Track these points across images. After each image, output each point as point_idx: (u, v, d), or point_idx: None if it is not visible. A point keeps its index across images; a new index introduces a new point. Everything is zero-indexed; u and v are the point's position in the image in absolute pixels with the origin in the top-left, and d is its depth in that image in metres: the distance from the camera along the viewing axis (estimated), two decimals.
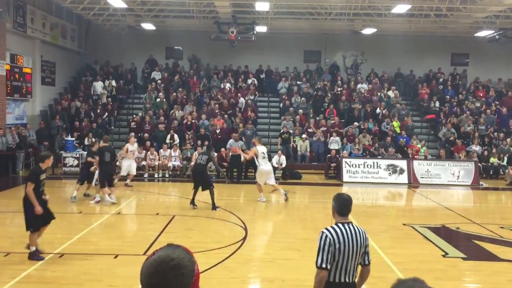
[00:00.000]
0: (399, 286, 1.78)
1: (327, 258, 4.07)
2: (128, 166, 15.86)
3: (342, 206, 4.36)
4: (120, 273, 7.55)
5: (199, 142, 19.30)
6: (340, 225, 4.24)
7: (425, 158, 19.51)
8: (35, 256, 8.03)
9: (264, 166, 13.85)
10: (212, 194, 12.43)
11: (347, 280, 4.22)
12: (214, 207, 12.36)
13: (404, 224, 11.43)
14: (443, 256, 8.94)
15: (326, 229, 4.22)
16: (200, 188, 12.48)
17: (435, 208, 14.32)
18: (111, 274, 7.51)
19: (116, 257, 8.34)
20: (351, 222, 4.31)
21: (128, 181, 15.88)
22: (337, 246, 4.10)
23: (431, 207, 14.69)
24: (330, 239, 4.11)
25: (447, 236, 10.56)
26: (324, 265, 4.08)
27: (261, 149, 13.87)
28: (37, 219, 8.06)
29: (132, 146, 16.33)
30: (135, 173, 16.37)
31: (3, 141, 17.61)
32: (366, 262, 4.40)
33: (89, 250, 8.74)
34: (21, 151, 18.64)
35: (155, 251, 1.75)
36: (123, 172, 15.83)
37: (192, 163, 17.99)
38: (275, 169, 18.52)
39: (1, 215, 11.79)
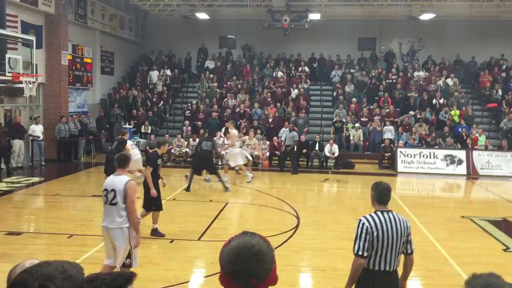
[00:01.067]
0: (474, 280, 1.71)
1: (364, 245, 4.06)
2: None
3: (382, 194, 4.27)
4: (176, 257, 7.78)
5: (252, 131, 19.40)
6: (379, 213, 4.18)
7: (486, 149, 18.71)
8: (157, 232, 8.84)
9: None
10: (191, 177, 13.25)
11: (387, 268, 4.16)
12: (188, 189, 13.10)
13: (462, 217, 11.05)
14: (504, 250, 8.60)
15: (364, 216, 4.19)
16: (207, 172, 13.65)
17: (496, 201, 13.74)
18: (167, 258, 7.75)
19: (172, 241, 8.59)
20: (391, 211, 4.22)
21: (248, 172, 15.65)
22: (375, 234, 4.06)
23: (491, 200, 14.12)
24: (367, 226, 4.09)
25: (508, 230, 10.13)
26: (360, 253, 4.07)
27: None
28: (157, 199, 8.87)
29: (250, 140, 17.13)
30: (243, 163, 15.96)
31: (66, 129, 18.45)
32: (409, 251, 4.32)
33: (146, 234, 9.02)
34: (83, 138, 19.47)
35: (231, 238, 1.79)
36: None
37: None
38: (327, 158, 18.43)
39: (64, 198, 12.39)
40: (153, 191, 8.69)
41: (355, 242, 4.11)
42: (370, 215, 4.18)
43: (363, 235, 4.08)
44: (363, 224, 4.12)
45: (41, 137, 17.36)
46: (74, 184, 14.42)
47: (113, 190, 5.87)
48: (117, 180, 5.90)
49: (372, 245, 4.08)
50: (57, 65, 18.38)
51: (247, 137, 17.21)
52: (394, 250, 4.15)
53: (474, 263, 7.77)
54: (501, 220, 10.87)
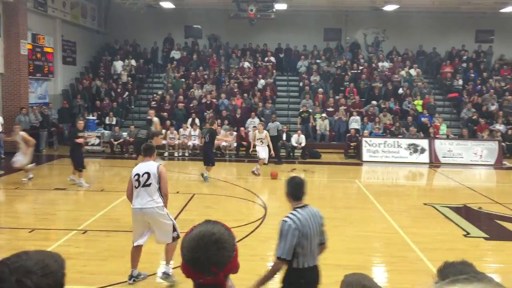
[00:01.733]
0: (447, 269, 1.74)
1: (289, 248, 3.94)
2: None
3: (295, 189, 4.18)
4: (142, 249, 7.67)
5: (219, 121, 19.33)
6: (299, 210, 4.09)
7: (447, 138, 19.23)
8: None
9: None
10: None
11: (311, 264, 4.13)
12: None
13: (425, 204, 11.34)
14: (465, 236, 8.87)
15: (287, 217, 4.04)
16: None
17: (457, 188, 14.16)
18: (126, 251, 7.62)
19: None
20: (307, 205, 4.17)
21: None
22: (301, 232, 3.97)
23: (452, 187, 14.53)
24: (294, 227, 3.96)
25: (469, 216, 10.46)
26: (284, 256, 3.95)
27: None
28: None
29: (260, 134, 15.74)
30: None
31: (27, 120, 17.90)
32: (323, 241, 4.31)
33: (112, 227, 8.90)
34: (44, 130, 18.94)
35: (193, 226, 1.79)
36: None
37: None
38: (294, 148, 18.54)
39: (25, 192, 12.05)
40: None
41: (279, 245, 3.97)
42: (292, 213, 4.06)
43: (289, 236, 3.93)
44: (289, 225, 3.96)
45: (0, 129, 16.79)
46: (35, 177, 14.01)
47: (146, 173, 6.24)
48: (149, 164, 6.36)
49: (300, 244, 3.97)
50: (16, 55, 17.77)
51: (257, 131, 16.13)
52: (316, 244, 4.14)
53: (436, 248, 7.98)
54: (462, 207, 11.20)
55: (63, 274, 1.70)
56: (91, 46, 25.50)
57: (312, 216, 4.09)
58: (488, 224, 9.83)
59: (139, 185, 6.24)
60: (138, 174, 6.27)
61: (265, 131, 15.96)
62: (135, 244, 6.42)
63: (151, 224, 6.36)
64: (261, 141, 15.55)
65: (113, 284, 6.25)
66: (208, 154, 13.49)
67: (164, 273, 6.41)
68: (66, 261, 1.75)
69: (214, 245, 1.67)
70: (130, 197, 6.45)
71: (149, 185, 6.22)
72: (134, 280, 6.39)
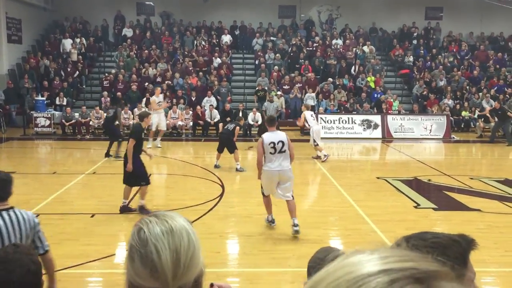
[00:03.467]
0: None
1: None
2: (158, 120, 15.26)
3: None
4: (97, 231, 7.57)
5: (174, 101, 19.11)
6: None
7: (399, 113, 19.76)
8: (144, 210, 8.26)
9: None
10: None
11: None
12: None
13: (377, 178, 11.67)
14: (415, 207, 9.21)
15: None
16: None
17: (408, 162, 14.64)
18: (88, 232, 7.52)
19: (92, 216, 8.33)
20: (12, 208, 3.47)
21: (158, 139, 15.48)
22: None
23: (404, 161, 15.02)
24: None
25: (419, 188, 10.87)
26: None
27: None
28: (144, 173, 8.52)
29: (159, 97, 15.58)
30: (165, 129, 16.00)
31: None
32: (41, 251, 3.48)
33: (65, 210, 8.70)
34: None
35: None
36: (153, 127, 15.20)
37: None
38: (250, 126, 18.58)
39: None
40: (130, 166, 8.23)
41: None
42: None
43: None
44: None
45: None
46: None
47: (281, 141, 7.30)
48: (280, 134, 7.51)
49: None
50: None
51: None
52: None
53: (388, 220, 8.28)
54: (413, 180, 11.61)
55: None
56: (38, 23, 24.40)
57: (17, 222, 3.37)
58: (437, 195, 10.25)
59: (275, 151, 7.27)
60: (273, 142, 7.27)
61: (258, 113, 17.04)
62: (266, 195, 7.64)
63: (280, 183, 7.43)
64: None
65: (67, 267, 6.13)
66: (232, 142, 12.60)
67: (295, 225, 7.36)
68: None
69: None
70: (261, 161, 7.40)
71: (284, 151, 7.32)
72: (271, 223, 7.78)
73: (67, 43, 22.93)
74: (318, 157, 14.00)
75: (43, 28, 24.87)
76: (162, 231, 1.23)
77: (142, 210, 8.36)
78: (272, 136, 7.39)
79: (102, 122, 16.13)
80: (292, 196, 7.48)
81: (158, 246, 1.20)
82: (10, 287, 1.74)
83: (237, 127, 12.91)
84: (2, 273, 1.71)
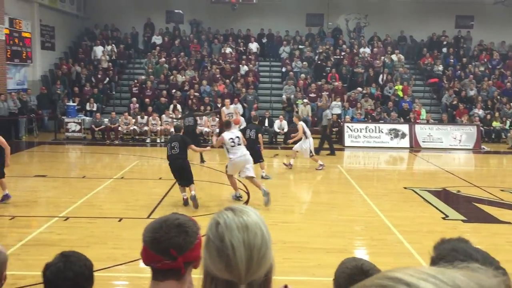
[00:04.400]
0: (442, 245, 1.78)
1: None
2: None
3: None
4: (124, 235, 7.68)
5: (202, 108, 19.30)
6: None
7: (427, 122, 19.48)
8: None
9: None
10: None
11: None
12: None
13: (405, 188, 11.52)
14: (443, 218, 9.05)
15: None
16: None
17: (436, 172, 14.40)
18: (116, 236, 7.64)
19: (120, 220, 8.47)
20: None
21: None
22: None
23: (432, 171, 14.77)
24: None
25: (448, 199, 10.67)
26: None
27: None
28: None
29: (228, 109, 16.12)
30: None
31: (5, 107, 17.60)
32: None
33: (94, 214, 8.87)
34: (23, 116, 18.65)
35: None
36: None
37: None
38: (276, 133, 18.58)
39: (6, 179, 11.87)
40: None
41: None
42: None
43: None
44: None
45: None
46: (15, 164, 13.79)
47: (237, 137, 9.70)
48: (235, 131, 10.17)
49: None
50: None
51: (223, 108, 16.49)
52: None
53: (415, 231, 8.15)
54: (441, 190, 11.41)
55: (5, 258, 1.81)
56: (70, 31, 25.04)
57: None
58: (466, 207, 10.05)
59: (234, 144, 9.66)
60: (231, 138, 9.65)
61: (232, 106, 17.10)
62: (230, 174, 9.94)
63: (243, 166, 9.71)
64: (230, 117, 15.76)
65: (96, 270, 6.23)
66: (256, 151, 12.08)
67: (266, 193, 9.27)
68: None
69: (176, 228, 1.66)
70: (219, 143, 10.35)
71: (240, 144, 9.82)
72: (239, 198, 10.01)
73: (98, 50, 23.45)
74: (289, 165, 13.80)
75: (75, 35, 25.50)
76: (238, 227, 1.32)
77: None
78: (230, 134, 9.66)
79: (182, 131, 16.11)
80: (253, 174, 9.72)
81: (233, 242, 1.29)
82: (71, 274, 2.14)
83: (259, 134, 12.54)
84: (66, 264, 2.16)
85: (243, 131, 12.83)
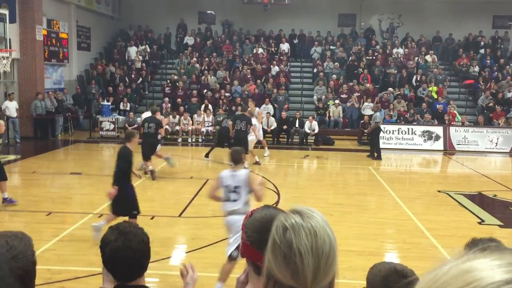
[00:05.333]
0: (474, 245, 1.75)
1: None
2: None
3: None
4: (156, 234, 7.77)
5: (233, 108, 19.38)
6: None
7: (463, 125, 19.02)
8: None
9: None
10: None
11: None
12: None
13: (439, 191, 11.28)
14: (479, 223, 8.83)
15: None
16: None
17: (472, 175, 14.05)
18: (148, 234, 7.73)
19: (152, 218, 8.58)
20: None
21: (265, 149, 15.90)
22: None
23: (467, 174, 14.42)
24: None
25: (484, 203, 10.40)
26: None
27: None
28: None
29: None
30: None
31: (42, 106, 18.09)
32: None
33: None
34: (60, 115, 19.15)
35: (253, 210, 1.76)
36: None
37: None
38: (307, 134, 18.49)
39: (43, 176, 12.24)
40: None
41: None
42: None
43: None
44: None
45: (16, 114, 16.98)
46: (51, 162, 14.23)
47: None
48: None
49: None
50: (31, 40, 17.90)
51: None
52: None
53: (450, 235, 7.97)
54: (477, 194, 11.13)
55: (33, 252, 1.68)
56: (105, 31, 25.57)
57: None
58: (503, 212, 9.77)
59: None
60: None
61: (257, 109, 16.91)
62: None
63: None
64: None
65: None
66: (245, 141, 12.55)
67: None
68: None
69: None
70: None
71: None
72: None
73: (132, 50, 23.87)
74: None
75: (110, 36, 26.03)
76: (306, 234, 1.26)
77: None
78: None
79: (218, 128, 16.60)
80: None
81: (302, 250, 1.23)
82: (131, 253, 2.21)
83: (249, 125, 12.85)
84: (125, 242, 2.22)
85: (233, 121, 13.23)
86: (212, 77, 22.01)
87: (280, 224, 1.30)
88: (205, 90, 20.93)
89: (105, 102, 20.12)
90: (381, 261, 2.33)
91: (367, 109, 20.00)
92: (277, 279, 1.27)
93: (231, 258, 5.47)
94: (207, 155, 14.52)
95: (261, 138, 15.74)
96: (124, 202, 7.20)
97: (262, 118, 17.12)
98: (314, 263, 1.24)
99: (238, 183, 5.60)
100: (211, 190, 5.88)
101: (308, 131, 18.40)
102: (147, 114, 13.41)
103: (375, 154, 15.75)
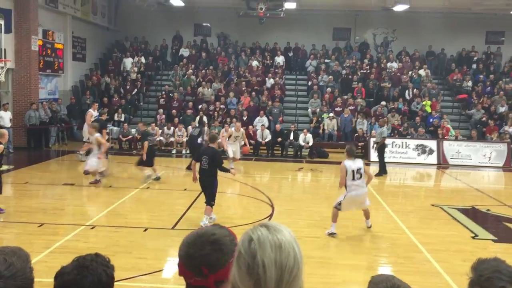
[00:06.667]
0: (481, 266, 1.74)
1: None
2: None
3: None
4: (149, 245, 7.73)
5: (228, 120, 19.38)
6: None
7: (456, 139, 19.12)
8: None
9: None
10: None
11: None
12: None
13: (432, 205, 11.29)
14: (473, 238, 8.83)
15: None
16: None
17: (465, 190, 14.09)
18: (141, 246, 7.69)
19: (145, 230, 8.52)
20: None
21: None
22: None
23: (460, 189, 14.46)
24: None
25: (477, 218, 10.41)
26: None
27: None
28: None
29: (238, 132, 15.74)
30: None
31: (36, 116, 18.03)
32: None
33: (120, 223, 8.96)
34: (54, 125, 19.07)
35: (199, 228, 1.76)
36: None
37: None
38: (301, 147, 18.51)
39: (35, 187, 12.15)
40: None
41: None
42: None
43: None
44: None
45: (10, 124, 16.90)
46: (45, 173, 14.14)
47: (359, 168, 8.35)
48: (358, 162, 8.48)
49: None
50: (26, 51, 17.90)
51: (233, 129, 15.98)
52: None
53: (444, 250, 7.96)
54: (470, 209, 11.15)
55: (31, 269, 1.66)
56: (101, 42, 25.61)
57: None
58: (496, 226, 9.78)
59: (354, 178, 8.24)
60: (353, 171, 8.22)
61: (242, 130, 15.94)
62: (343, 211, 8.49)
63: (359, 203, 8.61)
64: (234, 139, 15.46)
65: (120, 280, 6.28)
66: (196, 148, 12.69)
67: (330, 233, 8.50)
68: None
69: (210, 245, 1.59)
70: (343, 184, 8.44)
71: (360, 177, 8.31)
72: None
73: (128, 61, 23.89)
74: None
75: (106, 47, 26.06)
76: (271, 246, 1.27)
77: None
78: (352, 163, 8.39)
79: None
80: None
81: (265, 261, 1.24)
82: None
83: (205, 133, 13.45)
84: (77, 278, 1.81)
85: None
86: (209, 89, 21.98)
87: (246, 237, 1.31)
88: (200, 106, 20.71)
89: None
90: (378, 274, 2.31)
91: (360, 124, 20.05)
92: None
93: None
94: (188, 167, 14.29)
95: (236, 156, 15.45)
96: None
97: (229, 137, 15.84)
98: (277, 276, 1.24)
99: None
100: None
101: (302, 143, 18.43)
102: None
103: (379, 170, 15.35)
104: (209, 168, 8.82)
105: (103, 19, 25.00)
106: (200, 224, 8.50)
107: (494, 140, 18.99)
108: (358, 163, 8.42)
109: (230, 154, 15.01)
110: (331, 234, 8.42)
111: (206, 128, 15.86)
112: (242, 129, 15.89)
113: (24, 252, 1.64)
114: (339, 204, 8.46)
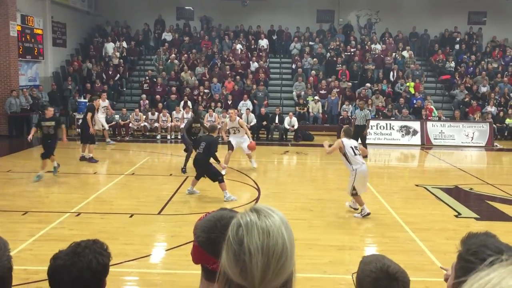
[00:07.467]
0: (470, 240, 1.75)
1: None
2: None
3: None
4: (135, 231, 7.71)
5: (212, 104, 19.30)
6: None
7: (439, 120, 19.32)
8: None
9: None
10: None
11: None
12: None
13: (416, 185, 11.43)
14: (456, 216, 8.97)
15: None
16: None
17: (448, 169, 14.27)
18: (127, 232, 7.67)
19: (131, 216, 8.49)
20: None
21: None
22: None
23: (444, 168, 14.65)
24: None
25: (460, 197, 10.57)
26: None
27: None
28: None
29: (104, 102, 17.19)
30: (107, 128, 17.42)
31: (17, 103, 17.74)
32: None
33: (105, 210, 8.91)
34: (35, 112, 18.78)
35: (207, 213, 1.73)
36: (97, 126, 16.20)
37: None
38: (287, 130, 18.55)
39: (18, 175, 12.00)
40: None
41: None
42: None
43: None
44: None
45: None
46: (27, 160, 13.96)
47: (355, 146, 8.77)
48: (353, 141, 8.94)
49: None
50: (5, 37, 17.53)
51: (228, 119, 13.77)
52: None
53: (427, 229, 8.08)
54: (453, 188, 11.31)
55: (8, 257, 1.65)
56: (82, 27, 25.15)
57: None
58: (479, 205, 9.94)
59: (355, 154, 8.63)
60: (352, 147, 8.67)
61: (238, 118, 13.58)
62: (360, 194, 8.74)
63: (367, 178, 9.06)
64: (234, 131, 13.20)
65: None
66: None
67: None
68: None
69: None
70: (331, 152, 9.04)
71: (360, 154, 8.75)
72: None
73: (109, 46, 23.54)
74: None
75: (86, 32, 25.61)
76: (259, 233, 1.23)
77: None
78: (350, 141, 8.82)
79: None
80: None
81: (251, 249, 1.21)
82: (66, 278, 1.78)
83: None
84: (66, 263, 1.79)
85: None
86: (193, 78, 21.71)
87: (236, 222, 1.28)
88: (184, 92, 20.56)
89: (82, 99, 19.78)
90: (369, 254, 2.32)
91: (346, 106, 20.10)
92: (228, 277, 1.25)
93: None
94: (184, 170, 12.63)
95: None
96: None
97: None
98: (264, 263, 1.21)
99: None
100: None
101: (287, 127, 18.45)
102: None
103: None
104: (204, 153, 9.65)
105: (83, 3, 24.51)
106: (224, 199, 9.55)
107: (476, 120, 19.23)
108: (354, 141, 9.00)
109: (234, 146, 13.19)
110: (366, 215, 8.68)
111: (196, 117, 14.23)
112: (238, 118, 13.51)
113: (2, 240, 1.61)
114: (354, 189, 8.70)
